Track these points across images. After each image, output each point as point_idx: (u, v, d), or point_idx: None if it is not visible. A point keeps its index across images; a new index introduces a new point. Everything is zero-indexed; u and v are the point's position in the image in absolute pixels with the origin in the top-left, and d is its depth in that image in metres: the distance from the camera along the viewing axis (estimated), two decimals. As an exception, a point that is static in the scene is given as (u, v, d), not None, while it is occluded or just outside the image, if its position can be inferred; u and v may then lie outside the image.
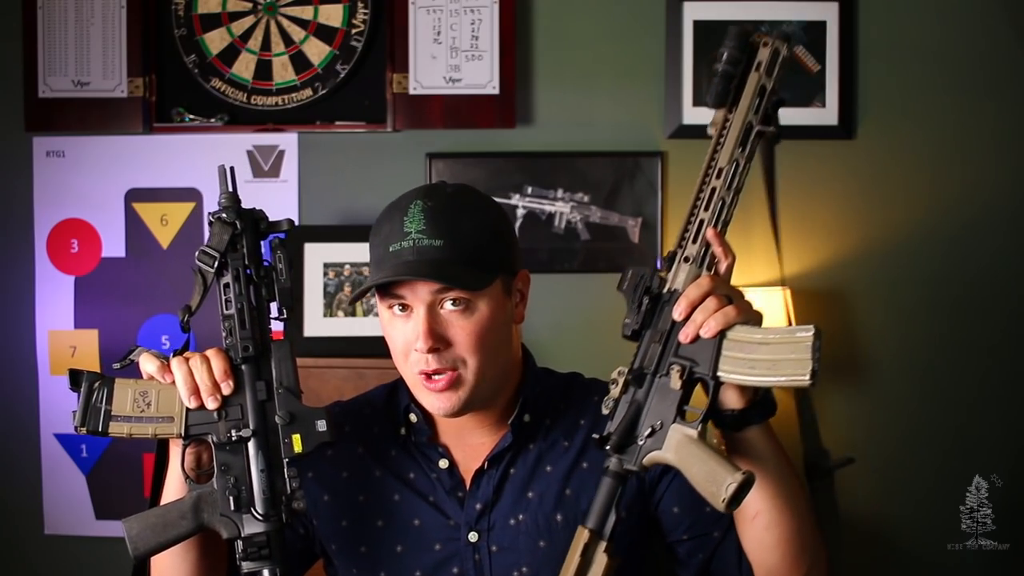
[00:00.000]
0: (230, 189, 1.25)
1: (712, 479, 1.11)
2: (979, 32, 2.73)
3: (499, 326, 1.30)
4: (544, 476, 1.34)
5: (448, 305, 1.26)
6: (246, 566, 1.20)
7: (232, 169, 1.26)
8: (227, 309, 1.24)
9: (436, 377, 1.27)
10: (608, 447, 1.18)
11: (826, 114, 2.73)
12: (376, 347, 2.66)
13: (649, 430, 1.16)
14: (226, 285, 1.24)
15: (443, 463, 1.35)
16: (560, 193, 2.75)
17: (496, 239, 1.31)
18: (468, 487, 1.34)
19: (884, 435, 2.75)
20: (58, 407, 2.78)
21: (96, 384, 1.21)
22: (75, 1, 2.72)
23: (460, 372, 1.27)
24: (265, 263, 1.26)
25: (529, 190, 2.73)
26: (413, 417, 1.37)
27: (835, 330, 2.74)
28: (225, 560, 1.30)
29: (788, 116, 2.69)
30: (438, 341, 1.25)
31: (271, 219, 1.27)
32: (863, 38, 2.74)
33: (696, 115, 2.71)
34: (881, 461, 2.77)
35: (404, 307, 1.28)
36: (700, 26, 2.71)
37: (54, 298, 2.78)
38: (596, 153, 2.75)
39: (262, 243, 1.26)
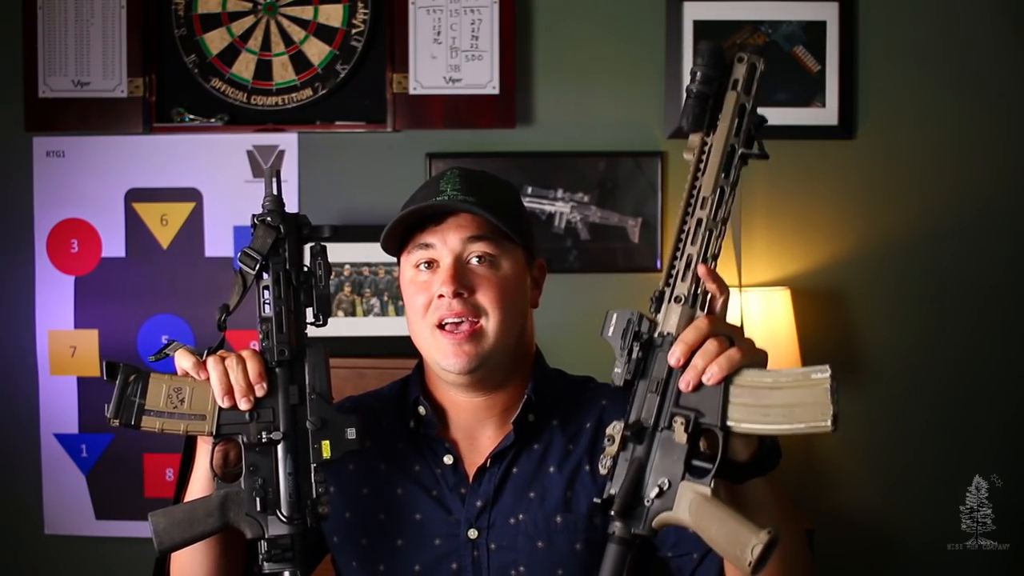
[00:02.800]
0: (275, 192, 1.26)
1: (735, 541, 1.02)
2: (979, 32, 2.74)
3: (519, 291, 1.34)
4: (546, 477, 1.35)
5: (474, 260, 1.30)
6: (268, 567, 1.21)
7: (278, 172, 1.28)
8: (265, 312, 1.25)
9: (456, 321, 1.29)
10: (612, 512, 1.08)
11: (826, 114, 2.73)
12: (376, 347, 2.70)
13: (656, 490, 1.07)
14: (265, 288, 1.25)
15: (448, 459, 1.36)
16: (560, 193, 2.75)
17: (521, 215, 1.38)
18: (470, 483, 1.35)
19: (884, 435, 2.75)
20: (58, 407, 2.78)
21: (131, 377, 1.22)
22: (75, 1, 2.72)
23: (482, 324, 1.29)
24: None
25: (529, 190, 2.73)
26: (422, 410, 1.37)
27: (835, 330, 2.75)
28: (243, 560, 1.31)
29: (788, 116, 2.73)
30: (463, 286, 1.28)
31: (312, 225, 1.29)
32: (863, 38, 2.74)
33: (696, 115, 2.70)
34: (881, 461, 2.77)
35: (429, 264, 1.31)
36: (700, 26, 2.71)
37: (54, 298, 2.78)
38: (596, 153, 2.75)
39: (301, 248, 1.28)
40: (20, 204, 2.79)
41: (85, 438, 2.78)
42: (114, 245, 2.78)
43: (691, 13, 2.71)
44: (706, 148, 1.11)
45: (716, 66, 1.10)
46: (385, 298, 2.71)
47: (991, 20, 2.73)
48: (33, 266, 2.78)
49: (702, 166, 1.11)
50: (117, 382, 1.21)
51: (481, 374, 1.31)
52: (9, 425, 2.80)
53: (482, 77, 2.71)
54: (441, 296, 1.29)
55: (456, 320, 1.29)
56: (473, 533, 1.33)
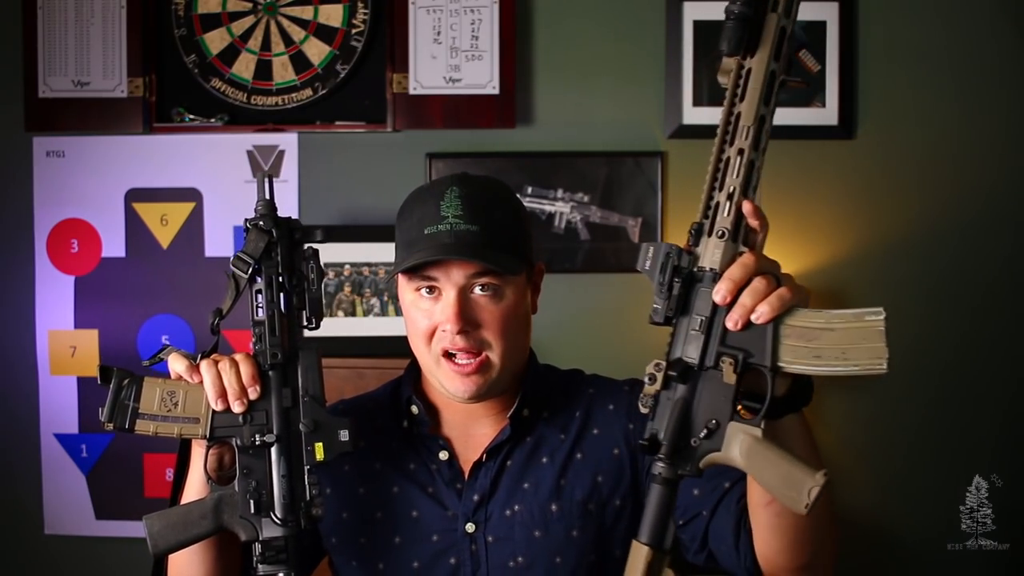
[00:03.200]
0: (267, 197, 1.27)
1: (789, 483, 1.01)
2: (979, 32, 2.74)
3: (522, 313, 1.34)
4: (540, 467, 1.36)
5: (478, 290, 1.30)
6: (262, 569, 1.23)
7: (271, 177, 1.29)
8: (258, 315, 1.26)
9: (463, 361, 1.29)
10: (661, 453, 1.06)
11: (826, 114, 2.73)
12: (376, 347, 2.70)
13: (705, 431, 1.05)
14: (258, 291, 1.26)
15: (443, 455, 1.37)
16: (560, 193, 2.75)
17: (523, 229, 1.36)
18: (466, 479, 1.36)
19: (884, 435, 2.75)
20: (58, 407, 2.78)
21: (125, 381, 1.23)
22: (75, 1, 2.72)
23: (488, 355, 1.30)
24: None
25: (529, 190, 2.73)
26: (415, 409, 1.39)
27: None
28: (240, 562, 1.32)
29: (788, 116, 2.73)
30: (468, 323, 1.28)
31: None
32: (863, 38, 2.74)
33: (696, 115, 2.71)
34: (881, 461, 2.77)
35: (431, 289, 1.30)
36: (700, 26, 2.71)
37: (54, 298, 2.78)
38: (596, 153, 2.75)
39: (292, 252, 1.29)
40: (20, 204, 2.79)
41: (85, 438, 2.78)
42: (114, 245, 2.78)
43: (691, 13, 2.71)
44: (743, 72, 1.07)
45: None
46: (385, 298, 2.71)
47: (991, 20, 2.73)
48: (33, 266, 2.78)
49: (739, 91, 1.07)
50: (111, 386, 1.22)
51: (486, 398, 1.33)
52: (9, 425, 2.80)
53: (482, 77, 2.71)
54: (446, 330, 1.29)
55: (463, 355, 1.29)
56: (471, 527, 1.34)
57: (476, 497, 1.35)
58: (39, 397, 2.78)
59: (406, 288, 1.34)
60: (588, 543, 1.34)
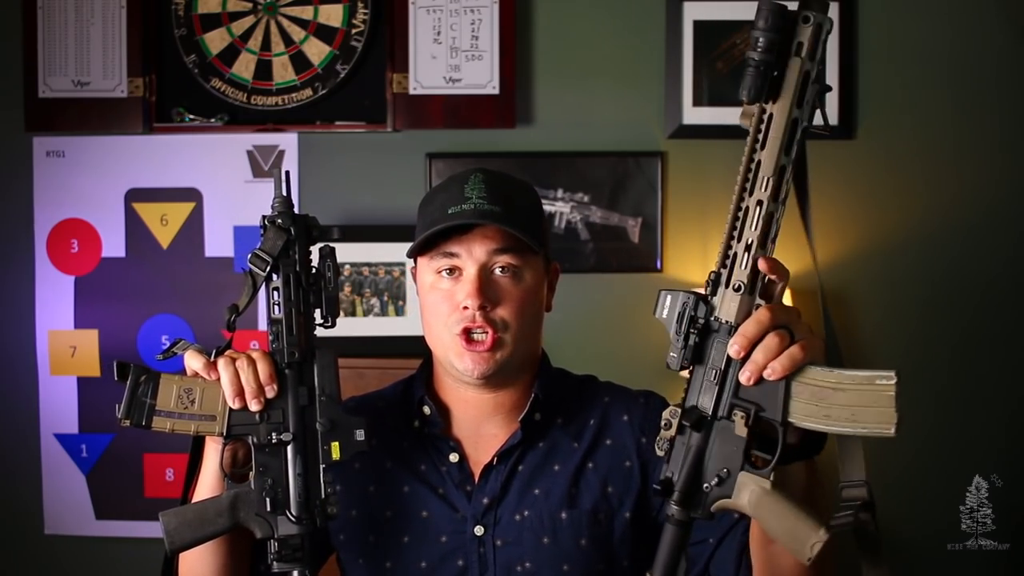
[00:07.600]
0: (284, 194, 1.27)
1: (794, 536, 1.04)
2: (979, 32, 2.74)
3: (538, 301, 1.36)
4: (551, 474, 1.37)
5: (498, 271, 1.31)
6: (278, 566, 1.23)
7: (288, 174, 1.28)
8: (275, 313, 1.25)
9: (478, 337, 1.30)
10: (673, 499, 1.10)
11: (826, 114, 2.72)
12: (376, 347, 2.70)
13: (716, 479, 1.08)
14: (275, 289, 1.25)
15: (453, 457, 1.37)
16: (560, 193, 2.75)
17: (542, 220, 1.39)
18: (476, 481, 1.36)
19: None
20: (58, 407, 2.78)
21: (142, 378, 1.22)
22: (75, 1, 2.72)
23: (502, 335, 1.31)
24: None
25: (529, 190, 2.73)
26: (427, 409, 1.39)
27: (835, 330, 2.74)
28: (249, 559, 1.32)
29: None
30: (488, 299, 1.30)
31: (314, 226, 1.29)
32: (863, 38, 2.74)
33: (696, 115, 2.71)
34: (881, 461, 2.76)
35: (452, 271, 1.32)
36: (700, 26, 2.71)
37: (54, 298, 2.78)
38: (596, 153, 2.75)
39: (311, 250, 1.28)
40: (20, 204, 2.78)
41: (85, 438, 2.78)
42: (114, 245, 2.78)
43: (691, 13, 2.72)
44: (764, 118, 1.04)
45: (779, 29, 1.01)
46: (385, 298, 2.71)
47: (991, 20, 2.73)
48: (33, 266, 2.78)
49: (760, 137, 1.04)
50: (128, 383, 1.22)
51: (496, 380, 1.34)
52: (9, 425, 2.80)
53: (482, 77, 2.71)
54: (466, 308, 1.30)
55: (479, 331, 1.30)
56: (479, 530, 1.35)
57: (485, 500, 1.35)
58: (39, 397, 2.78)
59: (426, 270, 1.34)
60: (596, 552, 1.34)
